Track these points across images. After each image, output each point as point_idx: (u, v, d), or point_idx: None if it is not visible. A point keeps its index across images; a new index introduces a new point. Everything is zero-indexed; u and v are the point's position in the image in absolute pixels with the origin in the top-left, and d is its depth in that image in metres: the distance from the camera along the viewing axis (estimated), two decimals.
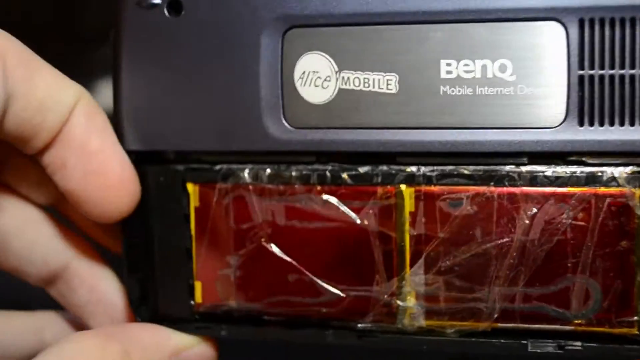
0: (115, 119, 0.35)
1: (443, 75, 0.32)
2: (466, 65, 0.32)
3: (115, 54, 0.35)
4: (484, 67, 0.31)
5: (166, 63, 0.34)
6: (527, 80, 0.31)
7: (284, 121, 0.33)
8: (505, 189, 0.32)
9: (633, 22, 0.30)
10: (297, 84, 0.33)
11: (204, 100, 0.34)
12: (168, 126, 0.34)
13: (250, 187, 0.34)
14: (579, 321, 0.32)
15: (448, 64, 0.32)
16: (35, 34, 0.36)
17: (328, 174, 0.33)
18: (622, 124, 0.31)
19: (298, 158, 0.34)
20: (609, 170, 0.31)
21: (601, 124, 0.31)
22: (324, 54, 0.33)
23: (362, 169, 0.33)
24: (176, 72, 0.34)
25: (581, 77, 0.31)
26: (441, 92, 0.32)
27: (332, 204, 0.34)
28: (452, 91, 0.32)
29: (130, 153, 0.35)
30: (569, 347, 0.32)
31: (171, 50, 0.34)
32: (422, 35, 0.32)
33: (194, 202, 0.35)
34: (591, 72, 0.31)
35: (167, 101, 0.34)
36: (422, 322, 0.33)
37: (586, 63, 0.31)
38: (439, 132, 0.32)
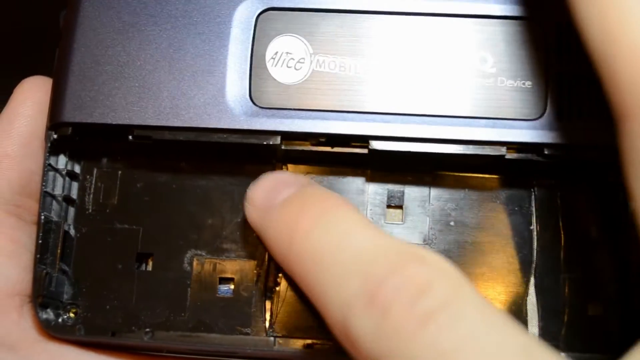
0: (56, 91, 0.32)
1: (424, 64, 0.31)
2: (447, 56, 0.31)
3: (67, 26, 0.32)
4: (464, 58, 0.31)
5: (128, 33, 0.32)
6: (508, 73, 0.31)
7: (249, 100, 0.31)
8: None
9: None
10: (268, 64, 0.31)
11: (165, 73, 0.31)
12: (123, 100, 0.31)
13: None
14: None
15: (429, 54, 0.31)
16: None
17: None
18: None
19: (262, 138, 0.31)
20: None
21: (579, 119, 0.30)
22: (299, 37, 0.32)
23: None
24: (138, 42, 0.32)
25: (560, 74, 0.31)
26: (421, 80, 0.31)
27: None
28: (432, 80, 0.31)
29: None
30: None
31: (134, 20, 0.32)
32: (402, 25, 0.31)
33: None
34: (569, 69, 0.31)
35: (126, 74, 0.31)
36: None
37: (565, 61, 0.31)
38: (417, 118, 0.31)
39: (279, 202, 0.27)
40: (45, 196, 0.32)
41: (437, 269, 0.23)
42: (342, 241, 0.24)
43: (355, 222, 0.25)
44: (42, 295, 0.31)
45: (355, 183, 0.32)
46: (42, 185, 0.31)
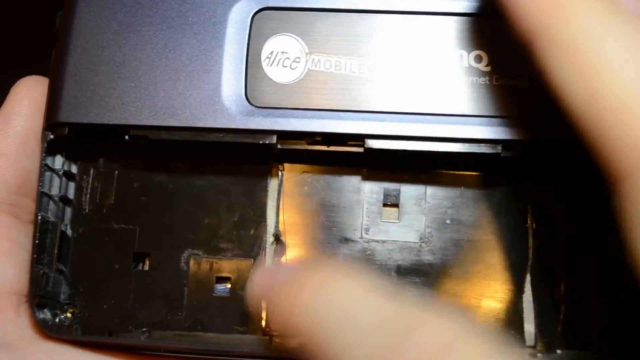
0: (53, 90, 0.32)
1: (419, 62, 0.31)
2: (442, 54, 0.31)
3: (63, 27, 0.32)
4: (460, 56, 0.31)
5: (124, 34, 0.32)
6: (503, 71, 0.31)
7: (245, 99, 0.31)
8: None
9: None
10: (264, 64, 0.31)
11: (161, 73, 0.31)
12: (120, 100, 0.31)
13: None
14: None
15: (424, 53, 0.31)
16: None
17: None
18: None
19: (258, 137, 0.31)
20: None
21: None
22: (294, 36, 0.32)
23: None
24: (134, 43, 0.32)
25: None
26: (416, 79, 0.31)
27: None
28: (427, 78, 0.31)
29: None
30: None
31: (129, 20, 0.32)
32: (397, 24, 0.31)
33: None
34: None
35: (122, 74, 0.31)
36: None
37: None
38: (413, 116, 0.31)
39: (278, 285, 0.25)
40: (42, 196, 0.32)
41: (457, 329, 0.21)
42: (348, 307, 0.22)
43: (360, 286, 0.23)
44: (39, 296, 0.31)
45: (352, 182, 0.33)
46: (39, 185, 0.31)
